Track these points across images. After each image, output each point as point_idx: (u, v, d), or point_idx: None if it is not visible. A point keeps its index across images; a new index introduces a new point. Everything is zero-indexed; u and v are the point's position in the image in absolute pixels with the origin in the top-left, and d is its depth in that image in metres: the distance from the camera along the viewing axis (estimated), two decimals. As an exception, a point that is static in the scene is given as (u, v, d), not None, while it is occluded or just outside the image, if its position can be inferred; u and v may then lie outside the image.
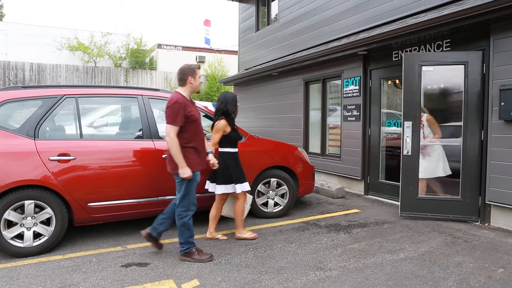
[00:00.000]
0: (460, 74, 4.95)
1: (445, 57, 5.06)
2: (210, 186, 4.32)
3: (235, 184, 4.21)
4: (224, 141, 4.21)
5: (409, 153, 4.92)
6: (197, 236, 4.16)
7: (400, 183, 5.12)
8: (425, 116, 5.15)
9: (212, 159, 4.02)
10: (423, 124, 5.11)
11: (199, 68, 3.76)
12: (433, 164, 5.16)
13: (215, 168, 4.10)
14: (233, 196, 4.39)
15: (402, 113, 4.94)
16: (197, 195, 4.56)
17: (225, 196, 4.38)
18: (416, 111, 4.96)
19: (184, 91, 3.68)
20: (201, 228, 4.63)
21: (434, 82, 5.13)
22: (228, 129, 4.19)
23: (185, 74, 3.66)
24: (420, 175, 5.14)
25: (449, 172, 5.12)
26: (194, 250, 3.73)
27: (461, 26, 4.77)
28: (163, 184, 4.36)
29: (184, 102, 3.56)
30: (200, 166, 3.73)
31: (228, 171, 4.18)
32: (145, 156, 4.32)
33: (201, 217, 4.94)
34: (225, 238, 4.37)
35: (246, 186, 4.29)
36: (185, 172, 3.54)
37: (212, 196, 4.45)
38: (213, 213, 4.37)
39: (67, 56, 18.01)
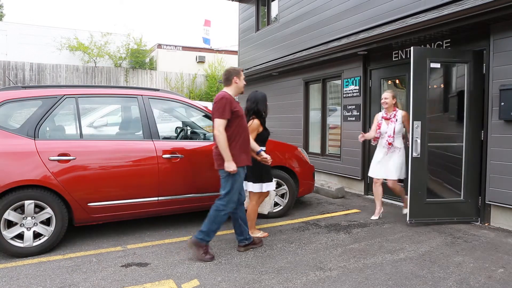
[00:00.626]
0: (462, 73, 4.95)
1: (452, 54, 5.04)
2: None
3: (262, 183, 4.23)
4: (256, 140, 4.24)
5: (419, 155, 4.85)
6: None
7: (408, 188, 4.86)
8: (400, 112, 5.11)
9: (265, 155, 4.09)
10: (396, 119, 5.06)
11: (243, 70, 4.03)
12: (395, 165, 5.11)
13: (268, 163, 4.14)
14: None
15: (411, 112, 4.84)
16: (200, 195, 4.61)
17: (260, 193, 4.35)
18: (424, 110, 4.85)
19: (229, 90, 3.87)
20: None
21: (435, 81, 5.12)
22: (261, 129, 4.28)
23: (231, 75, 3.88)
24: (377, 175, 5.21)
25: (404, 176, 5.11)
26: (205, 246, 3.75)
27: (461, 26, 4.77)
28: (163, 184, 4.37)
29: (230, 99, 3.75)
30: (244, 162, 3.80)
31: (259, 169, 4.19)
32: (145, 156, 4.32)
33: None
34: (266, 234, 4.46)
35: (270, 186, 4.30)
36: (230, 166, 3.63)
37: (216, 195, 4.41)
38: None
39: (67, 56, 17.98)
